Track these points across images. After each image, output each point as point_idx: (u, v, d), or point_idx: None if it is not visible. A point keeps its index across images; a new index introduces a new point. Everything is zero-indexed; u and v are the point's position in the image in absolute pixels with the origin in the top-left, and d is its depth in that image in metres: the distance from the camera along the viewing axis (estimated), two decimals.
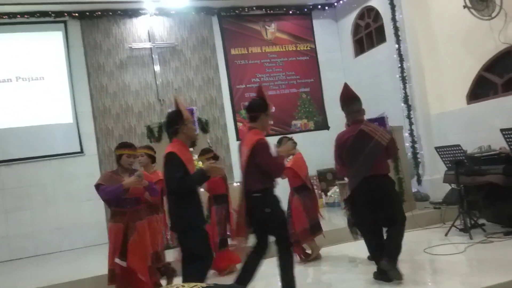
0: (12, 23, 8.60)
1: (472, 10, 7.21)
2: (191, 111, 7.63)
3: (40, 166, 8.52)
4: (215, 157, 5.52)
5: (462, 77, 7.82)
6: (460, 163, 5.91)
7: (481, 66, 7.53)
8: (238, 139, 9.53)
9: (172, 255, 5.03)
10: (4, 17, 8.48)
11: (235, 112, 9.89)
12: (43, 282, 5.64)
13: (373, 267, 4.43)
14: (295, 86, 10.43)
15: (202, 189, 5.16)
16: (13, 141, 8.40)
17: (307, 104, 10.45)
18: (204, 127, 7.82)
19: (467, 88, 7.80)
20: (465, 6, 7.21)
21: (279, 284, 3.90)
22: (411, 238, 6.21)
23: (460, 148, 5.94)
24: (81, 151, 8.79)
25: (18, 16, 8.55)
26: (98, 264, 5.91)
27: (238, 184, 5.14)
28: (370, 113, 7.93)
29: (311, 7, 10.51)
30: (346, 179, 5.57)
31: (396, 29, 8.61)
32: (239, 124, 9.79)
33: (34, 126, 8.56)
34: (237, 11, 10.01)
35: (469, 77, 7.74)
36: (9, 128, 8.43)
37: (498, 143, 6.10)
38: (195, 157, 5.48)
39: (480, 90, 7.67)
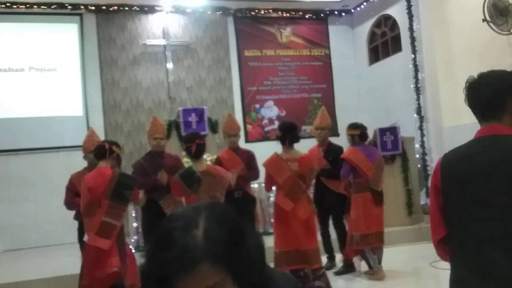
0: (28, 13, 8.61)
1: (491, 24, 7.11)
2: (202, 111, 7.60)
3: (47, 158, 8.51)
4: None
5: None
6: None
7: None
8: (247, 140, 9.46)
9: None
10: (21, 6, 8.49)
11: (245, 113, 9.83)
12: (46, 273, 5.62)
13: None
14: (307, 91, 10.35)
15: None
16: (22, 131, 8.39)
17: (318, 109, 10.36)
18: (214, 127, 7.75)
19: None
20: (484, 20, 7.10)
21: None
22: (417, 251, 6.12)
23: None
24: None
25: (35, 6, 8.56)
26: None
27: None
28: (382, 122, 7.93)
29: (327, 12, 10.44)
30: None
31: (412, 39, 8.52)
32: (249, 126, 9.74)
33: (44, 117, 8.54)
34: (253, 13, 9.95)
35: None
36: (18, 117, 8.42)
37: None
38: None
39: None
